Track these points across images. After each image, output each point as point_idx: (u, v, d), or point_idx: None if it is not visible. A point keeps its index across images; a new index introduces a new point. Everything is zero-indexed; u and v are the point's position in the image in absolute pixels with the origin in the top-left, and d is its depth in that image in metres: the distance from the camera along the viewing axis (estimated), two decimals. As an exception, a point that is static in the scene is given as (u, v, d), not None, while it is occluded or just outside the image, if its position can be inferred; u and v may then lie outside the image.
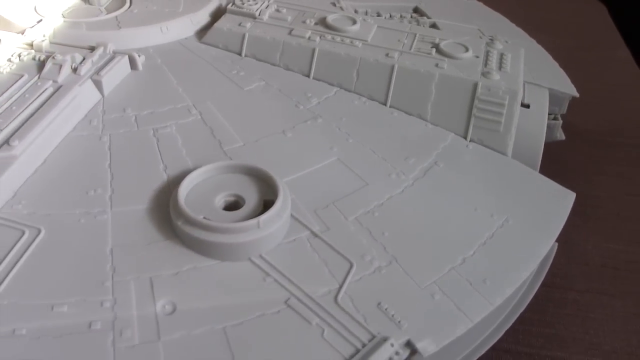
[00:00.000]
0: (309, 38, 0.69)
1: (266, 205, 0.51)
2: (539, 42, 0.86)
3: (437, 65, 0.66)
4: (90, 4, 0.74)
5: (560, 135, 0.80)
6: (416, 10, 0.89)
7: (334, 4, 0.82)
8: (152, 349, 0.42)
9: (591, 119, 0.78)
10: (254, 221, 0.48)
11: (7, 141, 0.52)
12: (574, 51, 0.81)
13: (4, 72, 0.60)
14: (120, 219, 0.50)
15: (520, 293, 0.57)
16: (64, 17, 0.70)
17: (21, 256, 0.47)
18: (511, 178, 0.60)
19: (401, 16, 0.85)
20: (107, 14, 0.72)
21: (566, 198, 0.59)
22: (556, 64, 0.83)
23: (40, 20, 0.68)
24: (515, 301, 0.57)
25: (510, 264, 0.52)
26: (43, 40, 0.63)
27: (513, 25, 0.92)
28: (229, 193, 0.51)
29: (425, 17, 0.85)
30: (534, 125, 0.66)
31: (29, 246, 0.47)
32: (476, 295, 0.48)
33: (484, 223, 0.54)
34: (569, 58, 0.81)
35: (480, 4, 0.98)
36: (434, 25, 0.82)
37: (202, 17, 0.75)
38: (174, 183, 0.53)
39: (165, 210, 0.51)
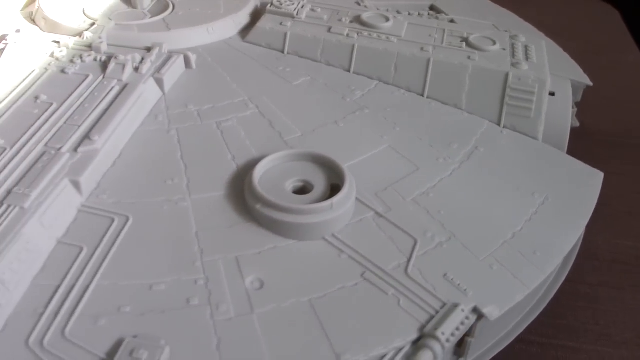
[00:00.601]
0: (348, 35, 0.72)
1: (333, 189, 0.54)
2: (551, 45, 0.90)
3: (469, 57, 0.70)
4: (134, 7, 0.77)
5: (575, 123, 0.84)
6: (432, 8, 0.92)
7: (359, 3, 0.85)
8: (248, 320, 0.45)
9: (602, 120, 0.80)
10: (327, 203, 0.51)
11: (87, 136, 0.55)
12: (585, 54, 0.83)
13: (70, 73, 0.63)
14: (199, 205, 0.53)
15: (546, 285, 0.61)
16: (110, 20, 0.72)
17: (115, 241, 0.49)
18: (544, 160, 0.64)
19: (419, 14, 0.89)
20: (151, 17, 0.75)
21: (596, 177, 0.63)
22: (567, 56, 0.87)
23: (94, 23, 0.71)
24: (540, 295, 0.60)
25: (555, 237, 0.55)
26: (101, 42, 0.66)
27: (522, 21, 0.96)
28: (297, 179, 0.55)
29: (443, 14, 0.89)
30: (560, 112, 0.70)
31: (120, 232, 0.50)
32: (529, 265, 0.52)
33: (527, 201, 0.58)
34: (580, 61, 0.84)
35: (489, 1, 1.02)
36: (452, 22, 0.86)
37: (243, 17, 0.78)
38: (244, 171, 0.56)
39: (240, 196, 0.54)
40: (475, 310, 0.48)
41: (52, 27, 0.73)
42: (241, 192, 0.54)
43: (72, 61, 0.64)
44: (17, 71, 0.63)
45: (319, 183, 0.54)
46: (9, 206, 0.48)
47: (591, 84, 0.79)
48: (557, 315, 0.59)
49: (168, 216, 0.52)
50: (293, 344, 0.44)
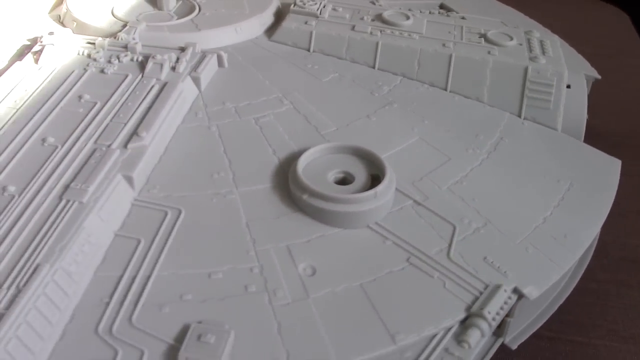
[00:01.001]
0: (371, 33, 0.74)
1: (373, 179, 0.56)
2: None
3: (489, 52, 0.72)
4: (159, 9, 0.78)
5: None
6: (442, 6, 0.94)
7: (374, 2, 0.87)
8: (305, 305, 0.47)
9: (611, 121, 0.80)
10: (371, 192, 0.53)
11: (135, 132, 0.56)
12: (594, 57, 0.85)
13: (109, 73, 0.64)
14: (247, 198, 0.54)
15: (563, 282, 0.62)
16: (138, 21, 0.74)
17: (170, 233, 0.51)
18: (565, 149, 0.66)
19: (430, 12, 0.91)
20: (177, 18, 0.76)
21: (614, 164, 0.66)
22: (574, 50, 0.89)
23: (125, 24, 0.72)
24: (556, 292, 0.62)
25: (582, 220, 0.58)
26: (136, 43, 0.67)
27: (528, 19, 0.98)
28: (339, 170, 0.56)
29: (454, 12, 0.91)
30: (577, 103, 0.72)
31: (174, 224, 0.51)
32: (561, 247, 0.54)
33: (554, 188, 0.60)
34: (589, 62, 0.84)
35: (495, 0, 1.04)
36: (463, 19, 0.88)
37: (268, 17, 0.79)
38: (286, 164, 0.58)
39: (284, 188, 0.55)
40: (515, 290, 0.50)
41: (83, 28, 0.74)
42: (285, 184, 0.55)
43: (109, 61, 0.66)
44: (57, 72, 0.64)
45: (359, 174, 0.56)
46: (67, 201, 0.49)
47: (599, 77, 0.82)
48: (565, 311, 0.60)
49: (218, 208, 0.53)
50: (349, 326, 0.46)
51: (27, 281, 0.43)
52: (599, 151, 0.67)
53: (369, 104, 0.67)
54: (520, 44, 0.74)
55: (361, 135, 0.62)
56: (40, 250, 0.45)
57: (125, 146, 0.55)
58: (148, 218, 0.52)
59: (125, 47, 0.67)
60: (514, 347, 0.54)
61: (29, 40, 0.72)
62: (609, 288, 0.67)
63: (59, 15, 0.79)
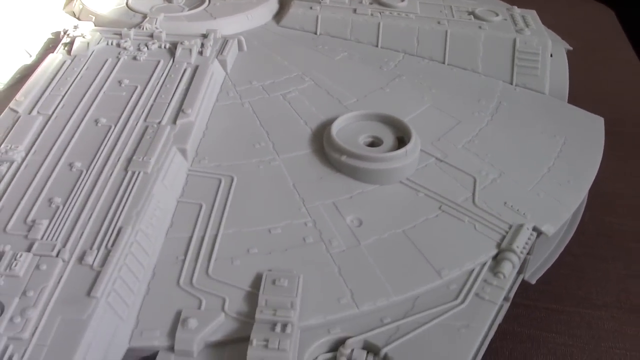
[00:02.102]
0: (372, 15, 0.79)
1: (399, 141, 0.61)
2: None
3: (480, 27, 0.78)
4: (170, 2, 0.81)
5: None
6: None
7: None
8: (358, 251, 0.51)
9: (595, 110, 0.81)
10: (402, 151, 0.58)
11: (181, 109, 0.59)
12: (579, 51, 0.88)
13: (141, 60, 0.66)
14: (289, 163, 0.58)
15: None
16: (155, 13, 0.76)
17: (227, 197, 0.54)
18: (555, 109, 0.72)
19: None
20: (189, 9, 0.79)
21: (598, 121, 0.72)
22: (544, 26, 0.95)
23: (145, 16, 0.75)
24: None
25: (580, 168, 0.64)
26: (160, 32, 0.70)
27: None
28: (367, 135, 0.61)
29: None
30: (559, 68, 0.78)
31: (230, 189, 0.55)
32: (566, 191, 0.60)
33: (552, 142, 0.66)
34: (576, 57, 0.86)
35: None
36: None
37: (274, 4, 0.83)
38: (318, 132, 0.62)
39: (321, 153, 0.59)
40: (535, 228, 0.56)
41: (102, 21, 0.76)
42: (321, 150, 0.59)
43: (139, 49, 0.68)
44: (91, 60, 0.67)
45: (386, 137, 0.60)
46: (133, 172, 0.52)
47: (571, 48, 0.88)
48: (541, 281, 0.59)
49: (265, 174, 0.57)
50: (400, 267, 0.50)
51: (114, 242, 0.46)
52: (584, 110, 0.73)
53: (380, 77, 0.71)
54: (505, 19, 0.80)
55: (379, 104, 0.66)
56: (120, 216, 0.48)
57: (174, 122, 0.58)
58: (205, 185, 0.55)
59: (151, 35, 0.70)
60: (534, 282, 0.59)
61: (52, 34, 0.74)
62: (584, 261, 0.70)
63: (73, 12, 0.81)
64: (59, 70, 0.64)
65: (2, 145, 0.54)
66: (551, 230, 0.56)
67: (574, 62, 0.85)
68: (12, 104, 0.59)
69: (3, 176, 0.52)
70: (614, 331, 0.62)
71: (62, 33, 0.71)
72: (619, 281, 0.68)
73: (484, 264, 0.52)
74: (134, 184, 0.51)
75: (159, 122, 0.58)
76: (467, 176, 0.59)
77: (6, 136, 0.56)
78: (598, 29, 1.23)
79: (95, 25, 0.73)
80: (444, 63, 0.76)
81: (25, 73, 0.68)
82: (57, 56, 0.67)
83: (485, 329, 0.47)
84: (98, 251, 0.45)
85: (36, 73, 0.64)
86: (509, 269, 0.52)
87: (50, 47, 0.71)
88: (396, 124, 0.61)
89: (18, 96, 0.60)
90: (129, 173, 0.52)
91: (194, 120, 0.59)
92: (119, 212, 0.48)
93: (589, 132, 0.69)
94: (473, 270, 0.52)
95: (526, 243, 0.54)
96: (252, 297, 0.46)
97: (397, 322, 0.46)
